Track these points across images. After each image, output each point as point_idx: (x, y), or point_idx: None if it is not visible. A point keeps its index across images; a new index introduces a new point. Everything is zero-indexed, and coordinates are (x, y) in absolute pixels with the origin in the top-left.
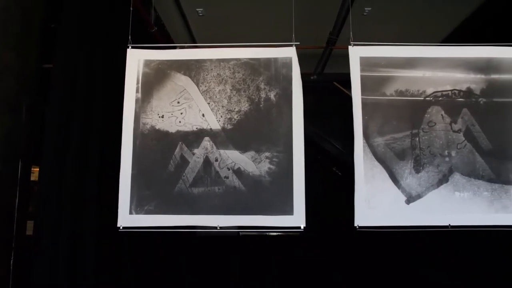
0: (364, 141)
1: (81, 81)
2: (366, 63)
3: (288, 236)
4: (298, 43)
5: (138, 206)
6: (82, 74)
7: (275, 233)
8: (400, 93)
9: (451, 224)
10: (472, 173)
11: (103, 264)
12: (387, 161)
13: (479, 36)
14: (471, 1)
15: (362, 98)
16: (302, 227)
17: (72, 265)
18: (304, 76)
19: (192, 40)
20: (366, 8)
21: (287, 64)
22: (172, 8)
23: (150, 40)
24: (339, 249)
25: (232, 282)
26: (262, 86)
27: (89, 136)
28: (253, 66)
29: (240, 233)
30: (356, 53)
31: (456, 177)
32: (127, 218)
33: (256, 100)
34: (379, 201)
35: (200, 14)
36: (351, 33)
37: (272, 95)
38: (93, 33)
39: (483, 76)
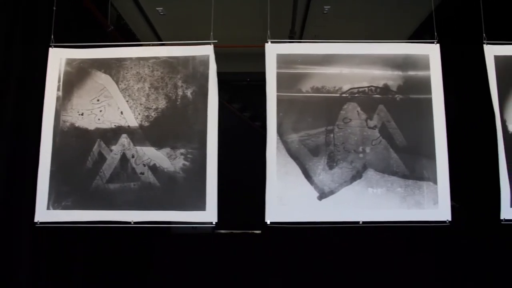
0: (278, 137)
1: (10, 80)
2: (283, 60)
3: (265, 233)
4: (216, 41)
5: (55, 201)
6: (12, 72)
7: (250, 231)
8: (316, 89)
9: (362, 221)
10: (386, 169)
11: (40, 262)
12: (301, 158)
13: (443, 31)
14: None
15: (277, 95)
16: (214, 223)
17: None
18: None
19: (158, 39)
20: (325, 7)
21: (205, 62)
22: (133, 8)
23: (108, 39)
24: (313, 246)
25: (207, 280)
26: (179, 84)
27: (18, 135)
28: (171, 64)
29: (215, 231)
30: (273, 51)
31: (370, 173)
32: (45, 213)
33: (173, 98)
34: (291, 198)
35: (161, 13)
36: (268, 31)
37: (189, 93)
38: (26, 31)
39: (400, 73)
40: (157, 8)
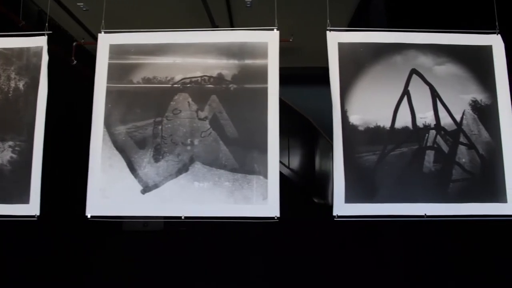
0: (105, 129)
1: None
2: (116, 51)
3: (211, 231)
4: (51, 32)
5: None
6: None
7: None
8: (147, 80)
9: (185, 215)
10: (214, 163)
11: None
12: (127, 150)
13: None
14: None
15: (107, 86)
16: (36, 216)
17: None
18: None
19: (90, 35)
20: (247, 0)
21: (38, 53)
22: (52, 4)
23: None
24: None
25: (157, 275)
26: (13, 75)
27: None
28: (6, 56)
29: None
30: (106, 41)
31: (197, 166)
32: None
33: (6, 90)
34: (114, 191)
35: (84, 9)
36: (103, 21)
37: (21, 85)
38: None
39: (236, 62)
40: (78, 4)
